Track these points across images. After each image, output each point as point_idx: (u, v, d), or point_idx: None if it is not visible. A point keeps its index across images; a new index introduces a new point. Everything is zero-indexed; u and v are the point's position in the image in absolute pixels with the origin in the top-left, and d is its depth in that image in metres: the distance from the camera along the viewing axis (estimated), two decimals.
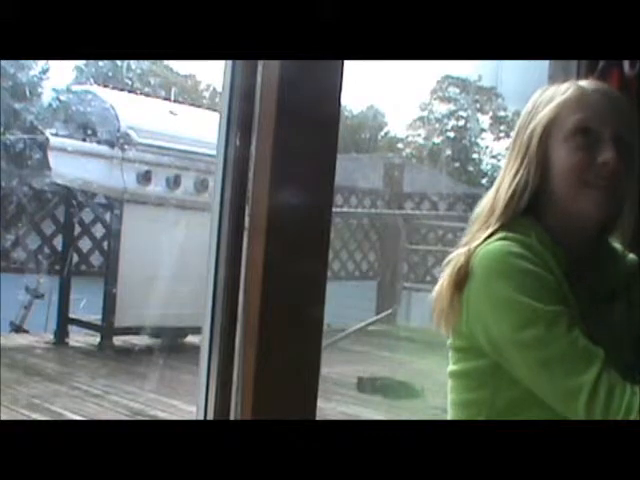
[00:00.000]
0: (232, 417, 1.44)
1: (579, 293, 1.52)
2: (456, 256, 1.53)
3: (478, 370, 1.53)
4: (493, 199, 1.59)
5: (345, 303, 8.36)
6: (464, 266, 1.50)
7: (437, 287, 1.56)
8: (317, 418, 1.52)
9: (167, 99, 9.89)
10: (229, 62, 1.45)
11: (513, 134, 1.64)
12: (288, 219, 1.44)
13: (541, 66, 2.29)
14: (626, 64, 2.39)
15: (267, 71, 1.42)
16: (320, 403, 1.51)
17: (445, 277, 1.54)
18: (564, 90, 1.57)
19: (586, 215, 1.53)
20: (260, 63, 1.43)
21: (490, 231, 1.54)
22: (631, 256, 1.72)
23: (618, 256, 1.68)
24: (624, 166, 1.52)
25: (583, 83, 1.58)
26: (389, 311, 10.20)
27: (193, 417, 1.50)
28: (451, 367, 1.59)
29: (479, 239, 1.54)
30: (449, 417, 1.60)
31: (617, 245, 1.70)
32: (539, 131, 1.56)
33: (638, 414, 1.32)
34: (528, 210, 1.57)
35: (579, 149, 1.52)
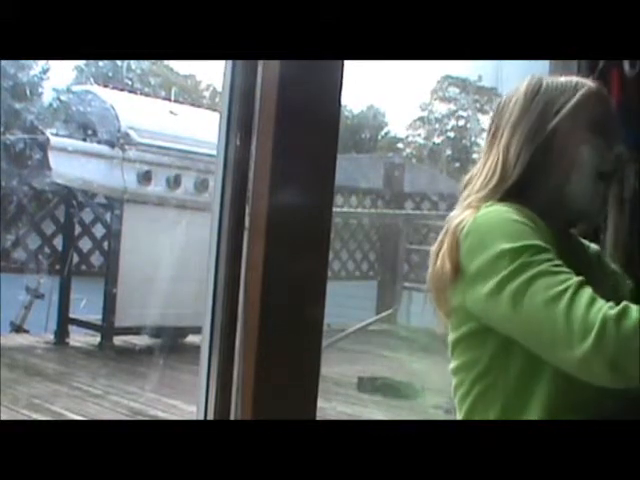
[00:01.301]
0: (232, 417, 1.44)
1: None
2: (453, 221, 1.55)
3: (478, 358, 1.53)
4: (494, 168, 1.61)
5: (345, 303, 8.37)
6: (460, 230, 1.51)
7: (433, 250, 1.59)
8: (317, 418, 1.52)
9: (167, 99, 9.90)
10: (229, 62, 1.45)
11: (516, 110, 1.63)
12: (288, 219, 1.44)
13: (541, 66, 2.29)
14: (626, 64, 2.39)
15: (267, 71, 1.42)
16: (320, 403, 1.51)
17: (441, 241, 1.57)
18: (579, 82, 1.62)
19: (593, 202, 1.59)
20: (260, 63, 1.43)
21: (475, 202, 1.57)
22: (593, 245, 1.77)
23: (584, 245, 1.74)
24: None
25: (587, 81, 1.63)
26: (389, 311, 10.20)
27: (193, 417, 1.50)
28: (450, 336, 1.58)
29: (474, 207, 1.55)
30: (452, 385, 1.58)
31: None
32: (559, 120, 1.60)
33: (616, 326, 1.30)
34: (516, 195, 1.57)
35: (600, 142, 1.58)
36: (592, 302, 1.33)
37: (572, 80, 1.63)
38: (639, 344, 1.28)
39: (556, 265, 1.41)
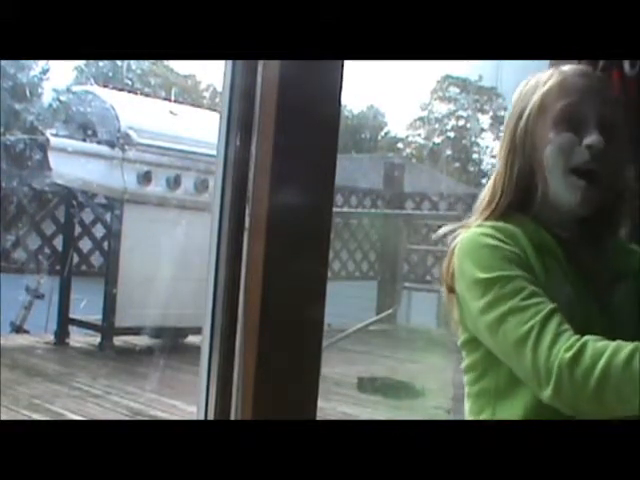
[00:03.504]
0: (232, 417, 1.44)
1: (578, 277, 1.53)
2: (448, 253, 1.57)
3: (477, 361, 1.55)
4: (489, 192, 1.61)
5: (345, 303, 8.37)
6: (452, 250, 1.54)
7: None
8: (317, 418, 1.52)
9: (167, 99, 9.90)
10: (229, 62, 1.45)
11: (504, 127, 1.64)
12: (288, 219, 1.44)
13: (541, 66, 2.29)
14: (626, 64, 2.39)
15: (267, 71, 1.43)
16: (320, 403, 1.51)
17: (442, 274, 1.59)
18: (546, 78, 1.57)
19: (572, 202, 1.53)
20: (260, 63, 1.43)
21: (478, 220, 1.58)
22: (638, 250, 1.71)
23: (625, 249, 1.68)
24: (613, 149, 1.52)
25: (565, 68, 1.58)
26: (389, 311, 10.19)
27: (193, 417, 1.50)
28: (463, 363, 1.60)
29: (464, 223, 1.58)
30: (466, 409, 1.60)
31: (624, 241, 1.71)
32: (526, 122, 1.56)
33: (589, 365, 1.30)
34: (523, 206, 1.58)
35: (566, 134, 1.53)
36: (553, 344, 1.34)
37: (544, 75, 1.59)
38: (593, 387, 1.30)
39: (525, 297, 1.41)
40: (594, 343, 1.33)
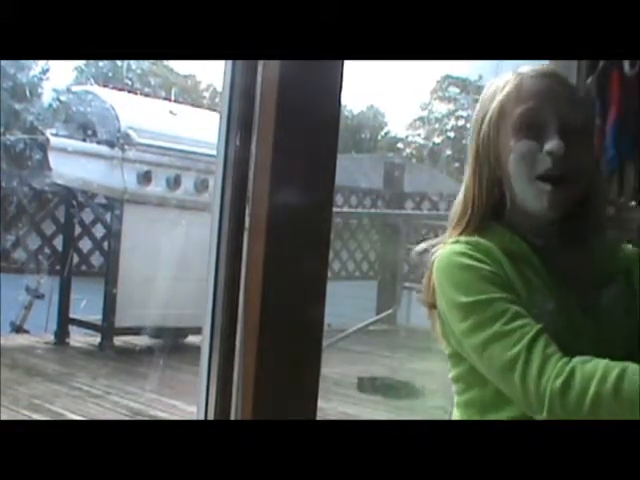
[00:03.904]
0: (232, 417, 1.44)
1: (559, 282, 1.51)
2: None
3: (464, 374, 1.54)
4: (461, 204, 1.58)
5: (345, 303, 8.36)
6: (432, 267, 1.52)
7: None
8: (317, 418, 1.52)
9: (167, 99, 9.90)
10: (229, 62, 1.45)
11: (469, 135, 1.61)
12: (289, 219, 1.44)
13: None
14: (626, 64, 2.39)
15: (267, 71, 1.43)
16: (320, 403, 1.51)
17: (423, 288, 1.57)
18: (504, 84, 1.54)
19: (540, 208, 1.50)
20: (260, 63, 1.43)
21: (454, 234, 1.56)
22: (629, 246, 1.68)
23: (612, 245, 1.64)
24: (576, 151, 1.48)
25: (524, 70, 1.54)
26: (389, 311, 10.18)
27: (193, 417, 1.50)
28: (450, 373, 1.60)
29: (440, 239, 1.56)
30: (455, 418, 1.60)
31: (613, 234, 1.69)
32: (487, 130, 1.53)
33: (580, 388, 1.30)
34: (498, 215, 1.56)
35: (525, 142, 1.49)
36: (542, 371, 1.34)
37: (503, 78, 1.55)
38: (586, 411, 1.31)
39: (508, 320, 1.40)
40: (582, 366, 1.32)
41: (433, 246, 1.56)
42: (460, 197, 1.58)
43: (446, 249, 1.51)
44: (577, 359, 1.34)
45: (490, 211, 1.56)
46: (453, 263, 1.48)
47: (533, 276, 1.50)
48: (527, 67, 1.55)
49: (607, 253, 1.60)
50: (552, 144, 1.47)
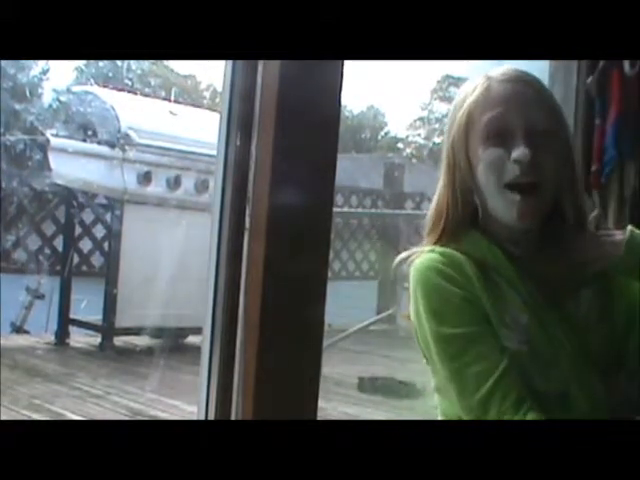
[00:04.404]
0: (233, 417, 1.44)
1: (534, 291, 1.50)
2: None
3: (440, 386, 1.54)
4: (434, 212, 1.57)
5: (346, 303, 8.36)
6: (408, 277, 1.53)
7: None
8: (318, 418, 1.52)
9: (167, 99, 9.89)
10: (229, 62, 1.45)
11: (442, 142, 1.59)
12: (289, 219, 1.44)
13: (542, 66, 2.29)
14: (626, 64, 2.39)
15: (267, 71, 1.43)
16: (321, 403, 1.51)
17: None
18: (472, 89, 1.51)
19: (510, 217, 1.48)
20: (260, 63, 1.43)
21: (430, 241, 1.55)
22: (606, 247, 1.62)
23: (589, 249, 1.58)
24: (545, 158, 1.46)
25: (493, 75, 1.51)
26: (390, 311, 10.17)
27: (194, 417, 1.50)
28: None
29: (421, 249, 1.55)
30: None
31: (590, 237, 1.67)
32: (458, 137, 1.51)
33: None
34: (473, 222, 1.54)
35: (493, 150, 1.47)
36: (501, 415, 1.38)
37: (472, 84, 1.52)
38: None
39: (470, 361, 1.42)
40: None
41: (411, 256, 1.55)
42: (434, 204, 1.57)
43: (422, 260, 1.51)
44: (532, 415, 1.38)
45: (467, 218, 1.54)
46: (427, 280, 1.49)
47: (507, 287, 1.49)
48: (497, 70, 1.52)
49: (584, 258, 1.56)
50: (519, 151, 1.44)
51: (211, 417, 1.45)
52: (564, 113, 1.58)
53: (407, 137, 28.77)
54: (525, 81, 1.51)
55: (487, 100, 1.48)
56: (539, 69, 1.88)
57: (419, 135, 29.02)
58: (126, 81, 9.40)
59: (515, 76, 1.51)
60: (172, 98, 10.47)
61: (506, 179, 1.46)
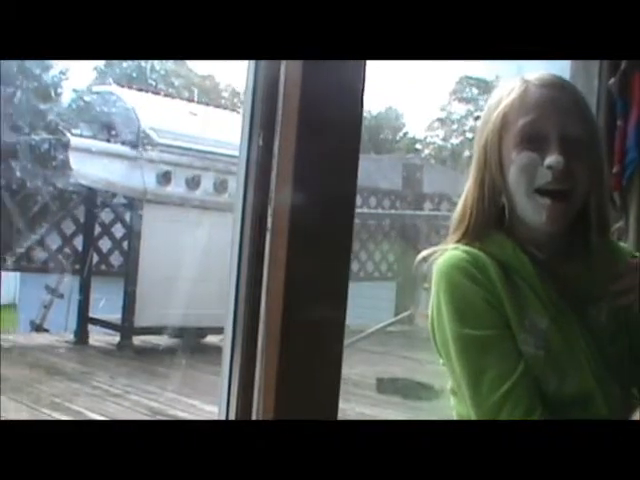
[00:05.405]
0: (254, 417, 1.44)
1: (556, 296, 1.50)
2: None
3: (454, 386, 1.55)
4: (460, 210, 1.58)
5: (364, 304, 8.36)
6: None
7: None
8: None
9: (188, 100, 9.92)
10: (252, 62, 1.45)
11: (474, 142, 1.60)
12: (311, 220, 1.44)
13: (563, 67, 2.28)
14: None
15: (290, 71, 1.42)
16: (340, 404, 1.51)
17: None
18: (509, 92, 1.52)
19: (539, 221, 1.49)
20: (283, 63, 1.43)
21: (454, 239, 1.56)
22: (637, 255, 1.65)
23: (614, 255, 1.61)
24: (578, 165, 1.47)
25: (530, 79, 1.52)
26: (408, 312, 10.17)
27: (213, 417, 1.50)
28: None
29: (444, 246, 1.56)
30: None
31: (620, 245, 1.68)
32: (491, 139, 1.52)
33: None
34: (500, 224, 1.55)
35: (526, 155, 1.48)
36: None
37: (508, 86, 1.53)
38: None
39: (488, 366, 1.44)
40: None
41: (435, 252, 1.56)
42: (461, 202, 1.58)
43: (447, 257, 1.51)
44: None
45: (493, 219, 1.54)
46: (451, 278, 1.49)
47: (528, 290, 1.49)
48: (534, 74, 1.53)
49: (609, 266, 1.55)
50: (553, 158, 1.45)
51: (232, 417, 1.45)
52: (597, 121, 1.58)
53: (425, 138, 28.73)
54: (562, 87, 1.52)
55: (523, 104, 1.49)
56: (560, 69, 1.87)
57: (437, 136, 28.96)
58: (150, 82, 9.43)
59: (552, 81, 1.52)
60: (194, 99, 10.50)
61: (537, 184, 1.47)
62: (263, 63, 1.44)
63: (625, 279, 1.47)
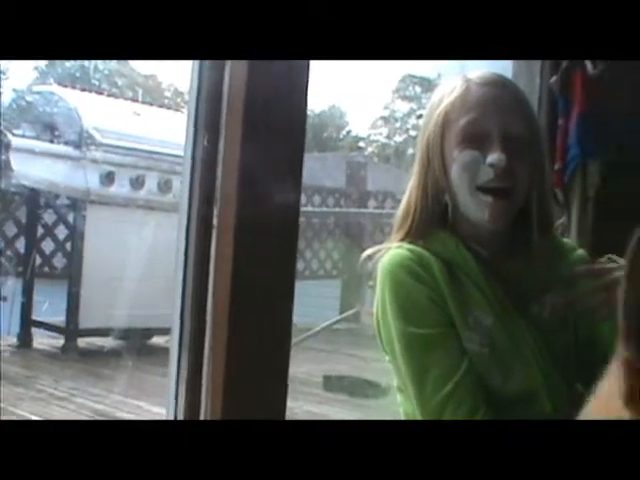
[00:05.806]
0: (202, 417, 1.43)
1: (500, 293, 1.51)
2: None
3: (399, 384, 1.56)
4: (404, 208, 1.59)
5: (310, 302, 8.36)
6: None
7: None
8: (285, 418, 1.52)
9: (132, 100, 9.85)
10: (196, 62, 1.45)
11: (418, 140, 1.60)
12: (256, 218, 1.44)
13: (505, 65, 2.30)
14: (589, 64, 2.41)
15: (234, 71, 1.42)
16: (287, 402, 1.51)
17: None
18: (450, 90, 1.53)
19: (481, 219, 1.50)
20: (227, 63, 1.43)
21: (398, 237, 1.57)
22: (580, 251, 1.67)
23: (557, 252, 1.63)
24: (520, 163, 1.48)
25: (472, 77, 1.54)
26: (354, 309, 10.19)
27: (160, 418, 1.49)
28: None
29: (388, 245, 1.57)
30: None
31: (564, 241, 1.70)
32: (433, 138, 1.53)
33: None
34: (443, 222, 1.56)
35: (468, 153, 1.49)
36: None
37: (450, 85, 1.54)
38: None
39: (425, 368, 1.45)
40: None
41: (380, 251, 1.57)
42: (404, 200, 1.59)
43: (391, 255, 1.52)
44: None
45: (437, 217, 1.56)
46: (395, 276, 1.50)
47: (472, 287, 1.50)
48: (475, 73, 1.54)
49: (552, 262, 1.58)
50: (495, 156, 1.47)
51: (180, 417, 1.44)
52: (538, 120, 1.59)
53: (369, 136, 28.81)
54: (504, 85, 1.54)
55: (465, 103, 1.50)
56: (502, 68, 1.89)
57: (381, 134, 29.06)
58: (93, 82, 9.34)
59: (494, 80, 1.53)
60: (136, 98, 10.42)
61: (479, 182, 1.48)
62: (207, 63, 1.44)
63: (584, 285, 1.48)
